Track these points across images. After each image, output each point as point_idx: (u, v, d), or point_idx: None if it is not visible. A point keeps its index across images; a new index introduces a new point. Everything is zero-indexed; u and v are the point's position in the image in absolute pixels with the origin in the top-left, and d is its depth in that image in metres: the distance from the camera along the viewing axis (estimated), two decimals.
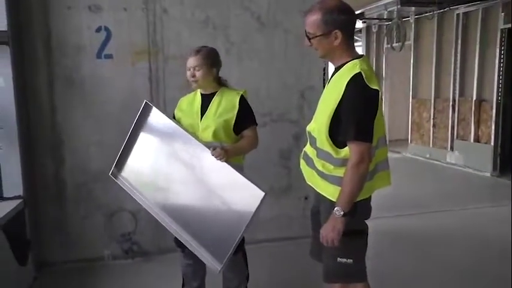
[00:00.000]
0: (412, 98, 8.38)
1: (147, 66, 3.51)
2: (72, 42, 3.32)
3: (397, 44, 7.73)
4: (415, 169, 7.57)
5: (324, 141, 1.91)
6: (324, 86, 3.86)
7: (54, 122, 3.38)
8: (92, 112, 3.43)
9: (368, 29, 9.83)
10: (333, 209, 1.88)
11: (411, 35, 8.07)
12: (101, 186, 3.48)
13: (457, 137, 7.32)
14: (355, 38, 11.87)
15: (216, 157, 2.21)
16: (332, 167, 1.91)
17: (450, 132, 7.42)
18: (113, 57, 3.42)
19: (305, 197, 4.03)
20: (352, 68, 1.86)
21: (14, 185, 3.07)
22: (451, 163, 7.37)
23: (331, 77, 1.99)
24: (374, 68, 9.76)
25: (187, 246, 2.32)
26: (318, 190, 2.02)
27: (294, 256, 3.67)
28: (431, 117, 7.82)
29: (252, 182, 2.15)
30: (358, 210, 1.90)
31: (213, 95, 2.41)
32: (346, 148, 1.86)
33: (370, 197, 2.01)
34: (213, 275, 2.49)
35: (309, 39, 1.91)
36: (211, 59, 2.38)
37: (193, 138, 2.30)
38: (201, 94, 2.45)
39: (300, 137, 3.94)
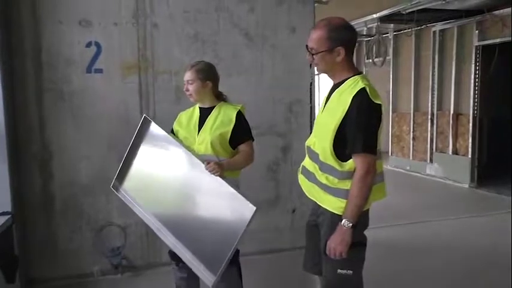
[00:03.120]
0: (392, 111, 8.60)
1: (137, 81, 3.53)
2: (62, 57, 3.33)
3: (378, 59, 7.96)
4: (395, 181, 7.69)
5: (327, 155, 1.95)
6: (311, 100, 4.04)
7: (43, 136, 3.36)
8: (81, 126, 3.42)
9: None
10: (337, 222, 1.92)
11: (390, 51, 8.33)
12: (90, 201, 3.46)
13: (436, 150, 7.54)
14: None
15: (209, 171, 2.24)
16: (337, 180, 1.94)
17: (429, 144, 7.63)
18: (102, 72, 3.43)
19: (293, 210, 4.08)
20: (354, 84, 1.93)
21: (3, 201, 3.02)
22: (431, 175, 7.57)
23: (330, 93, 2.05)
24: None
25: (182, 259, 2.34)
26: (320, 204, 2.04)
27: (283, 268, 3.71)
28: (411, 130, 8.04)
29: (244, 196, 2.19)
30: (359, 222, 1.94)
31: (211, 109, 2.46)
32: (350, 161, 1.91)
33: (368, 208, 2.05)
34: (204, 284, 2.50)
35: (312, 54, 1.96)
36: (205, 73, 2.44)
37: (189, 152, 2.33)
38: (200, 108, 2.50)
39: (288, 150, 4.02)
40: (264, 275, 3.60)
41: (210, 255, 2.26)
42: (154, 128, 2.45)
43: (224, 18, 3.70)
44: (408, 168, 8.13)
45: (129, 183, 2.57)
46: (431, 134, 7.56)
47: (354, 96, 1.88)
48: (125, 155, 2.52)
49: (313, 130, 2.13)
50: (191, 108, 2.56)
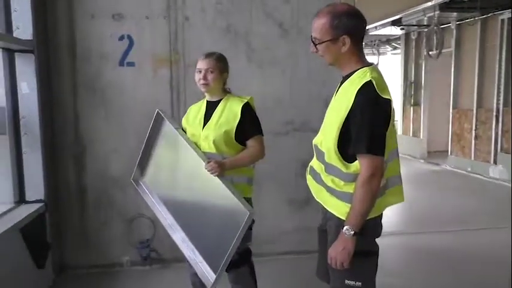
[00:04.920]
0: (453, 108, 7.99)
1: (169, 74, 3.52)
2: (95, 51, 3.40)
3: (434, 52, 7.41)
4: (454, 183, 7.18)
5: (332, 155, 1.78)
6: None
7: (77, 128, 3.46)
8: (112, 120, 3.48)
9: (407, 35, 9.52)
10: (342, 228, 1.74)
11: (452, 41, 7.71)
12: (121, 193, 3.51)
13: (500, 150, 6.88)
14: (394, 45, 11.60)
15: (208, 171, 2.14)
16: (342, 182, 1.78)
17: (493, 144, 6.98)
18: (134, 65, 3.46)
19: None
20: (362, 76, 1.74)
21: (37, 189, 3.15)
22: (494, 177, 6.93)
23: (339, 86, 1.87)
24: (413, 76, 9.43)
25: (186, 257, 2.29)
26: (326, 207, 1.88)
27: (312, 270, 3.54)
28: (473, 128, 7.41)
29: (239, 199, 2.07)
30: (368, 229, 1.76)
31: (218, 102, 2.36)
32: (357, 162, 1.73)
33: (381, 214, 1.85)
34: (222, 285, 2.43)
35: (315, 45, 1.80)
36: (223, 63, 2.36)
37: (192, 149, 2.26)
38: (207, 102, 2.41)
39: None
40: (294, 277, 3.46)
41: (213, 257, 2.19)
42: (166, 123, 2.39)
43: (257, 8, 3.58)
44: (469, 169, 7.51)
45: (147, 177, 2.56)
46: (496, 133, 6.91)
47: (358, 90, 1.70)
48: (142, 150, 2.50)
49: (321, 127, 1.93)
50: (200, 102, 2.47)
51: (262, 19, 3.61)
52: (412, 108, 9.54)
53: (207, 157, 2.23)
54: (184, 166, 2.37)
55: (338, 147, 1.75)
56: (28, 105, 3.05)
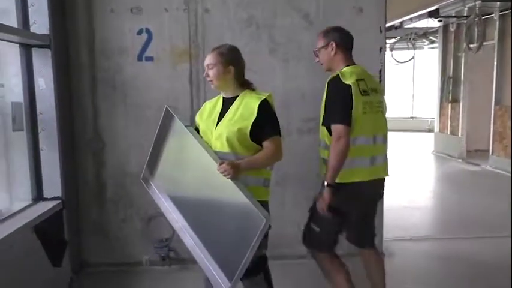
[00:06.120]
0: (495, 104, 7.49)
1: (188, 68, 3.41)
2: (114, 45, 3.33)
3: (474, 45, 6.95)
4: (495, 185, 6.72)
5: (323, 133, 2.44)
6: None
7: (96, 124, 3.40)
8: (132, 115, 3.40)
9: (445, 28, 9.04)
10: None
11: (495, 33, 7.22)
12: (140, 190, 3.36)
13: None
14: (432, 38, 11.08)
15: (221, 173, 1.99)
16: (327, 151, 2.38)
17: None
18: (153, 60, 3.37)
19: None
20: (336, 72, 2.39)
21: (54, 186, 3.11)
22: None
23: None
24: (451, 71, 8.94)
25: (199, 262, 2.15)
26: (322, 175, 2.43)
27: None
28: None
29: (255, 205, 1.91)
30: (340, 192, 2.30)
31: (234, 99, 2.20)
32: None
33: (351, 184, 2.35)
34: None
35: (317, 55, 2.51)
36: (227, 56, 2.18)
37: (204, 149, 2.11)
38: (223, 98, 2.26)
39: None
40: (314, 280, 3.28)
41: (227, 263, 2.03)
42: (176, 121, 2.26)
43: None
44: None
45: (157, 177, 2.45)
46: None
47: (328, 81, 2.40)
48: (151, 148, 2.39)
49: None
50: (215, 98, 2.32)
51: (286, 11, 3.43)
52: (450, 104, 9.06)
53: (219, 157, 2.08)
54: (195, 167, 2.23)
55: (323, 124, 2.39)
56: (45, 101, 3.01)
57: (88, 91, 3.37)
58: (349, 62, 2.44)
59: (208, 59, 2.19)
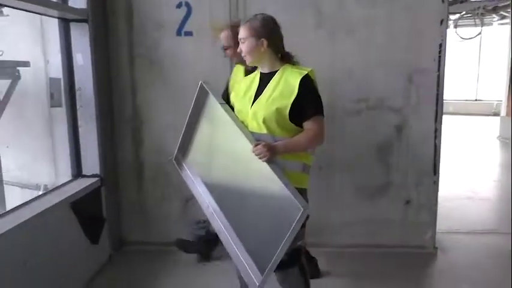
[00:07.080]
0: None
1: None
2: (152, 19, 3.21)
3: None
4: None
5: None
6: (439, 68, 3.20)
7: (134, 102, 3.34)
8: (170, 92, 3.30)
9: None
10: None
11: None
12: (177, 170, 3.34)
13: None
14: (503, 13, 10.08)
15: (256, 155, 1.81)
16: None
17: None
18: (192, 35, 3.22)
19: (406, 201, 3.38)
20: None
21: (93, 163, 3.10)
22: None
23: None
24: None
25: (229, 252, 2.00)
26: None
27: (385, 266, 3.13)
28: None
29: (292, 192, 1.72)
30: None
31: (273, 74, 2.00)
32: None
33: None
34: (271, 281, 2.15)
35: None
36: (259, 28, 1.96)
37: (239, 129, 1.94)
38: (261, 74, 2.06)
39: (403, 128, 3.29)
40: (359, 271, 3.07)
41: (259, 254, 1.87)
42: (210, 97, 2.10)
43: None
44: None
45: (190, 158, 2.33)
46: None
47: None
48: (184, 126, 2.26)
49: None
50: (253, 74, 2.12)
51: None
52: None
53: (255, 139, 1.91)
54: (229, 148, 2.07)
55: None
56: (83, 77, 2.97)
57: (126, 67, 3.29)
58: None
59: (240, 33, 2.00)
